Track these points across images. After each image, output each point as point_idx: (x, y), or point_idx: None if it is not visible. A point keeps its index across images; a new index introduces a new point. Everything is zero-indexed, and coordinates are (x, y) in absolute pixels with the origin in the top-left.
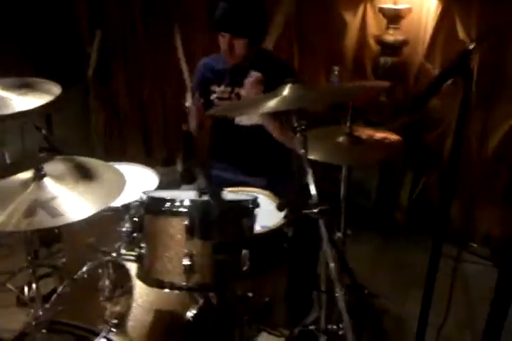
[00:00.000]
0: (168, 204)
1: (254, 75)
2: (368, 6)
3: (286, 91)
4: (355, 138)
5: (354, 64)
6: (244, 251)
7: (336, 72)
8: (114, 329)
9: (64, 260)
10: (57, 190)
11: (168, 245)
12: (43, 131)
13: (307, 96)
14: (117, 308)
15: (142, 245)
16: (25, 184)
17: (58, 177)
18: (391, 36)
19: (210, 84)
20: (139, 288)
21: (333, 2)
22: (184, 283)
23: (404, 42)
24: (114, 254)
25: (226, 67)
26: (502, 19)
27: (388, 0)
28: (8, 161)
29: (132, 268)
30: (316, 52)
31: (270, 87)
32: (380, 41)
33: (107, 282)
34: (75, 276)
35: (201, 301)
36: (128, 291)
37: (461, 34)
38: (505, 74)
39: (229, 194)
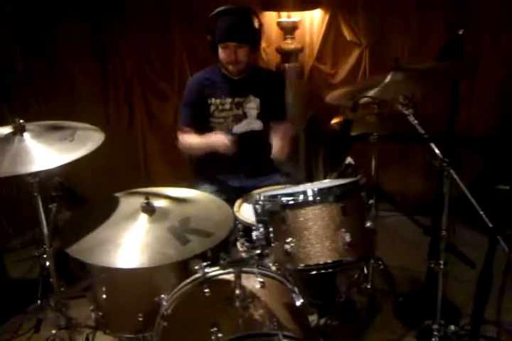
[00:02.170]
0: (303, 195)
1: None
2: None
3: (387, 79)
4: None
5: None
6: None
7: None
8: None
9: (100, 313)
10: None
11: (325, 229)
12: (56, 179)
13: (410, 80)
14: (261, 311)
15: (288, 240)
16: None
17: (164, 208)
18: (290, 45)
19: (207, 97)
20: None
21: None
22: (350, 258)
23: (300, 50)
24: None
25: (223, 79)
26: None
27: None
28: None
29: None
30: None
31: (267, 95)
32: (280, 50)
33: (238, 291)
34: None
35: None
36: (253, 295)
37: (349, 37)
38: None
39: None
